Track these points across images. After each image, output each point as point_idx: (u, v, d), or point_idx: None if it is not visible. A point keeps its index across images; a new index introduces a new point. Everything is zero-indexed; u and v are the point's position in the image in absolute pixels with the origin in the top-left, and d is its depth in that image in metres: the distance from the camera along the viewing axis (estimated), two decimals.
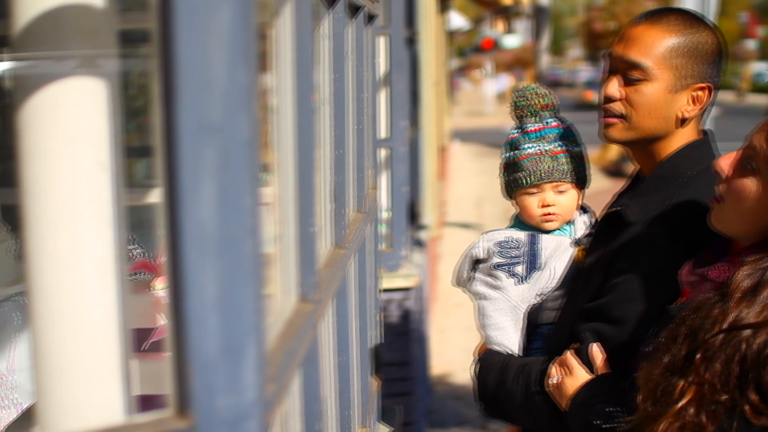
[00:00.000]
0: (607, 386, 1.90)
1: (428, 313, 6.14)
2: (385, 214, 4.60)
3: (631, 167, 2.27)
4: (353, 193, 2.12)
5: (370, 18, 2.42)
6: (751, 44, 47.09)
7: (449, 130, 17.08)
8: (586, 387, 1.92)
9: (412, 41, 5.49)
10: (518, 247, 2.21)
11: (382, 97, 4.58)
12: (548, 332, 2.16)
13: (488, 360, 2.18)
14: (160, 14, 0.77)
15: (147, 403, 1.28)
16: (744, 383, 1.55)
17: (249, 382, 0.83)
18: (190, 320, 0.79)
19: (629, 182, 2.18)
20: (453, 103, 27.39)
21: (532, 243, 2.21)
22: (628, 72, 1.98)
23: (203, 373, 0.80)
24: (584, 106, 28.74)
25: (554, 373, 2.00)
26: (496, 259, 2.20)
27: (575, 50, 64.82)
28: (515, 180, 2.23)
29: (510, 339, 2.18)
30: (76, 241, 0.93)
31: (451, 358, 6.61)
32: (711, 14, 5.80)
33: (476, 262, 2.26)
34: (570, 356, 1.97)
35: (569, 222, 2.24)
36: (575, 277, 2.13)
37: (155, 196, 2.67)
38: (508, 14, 34.56)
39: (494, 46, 38.54)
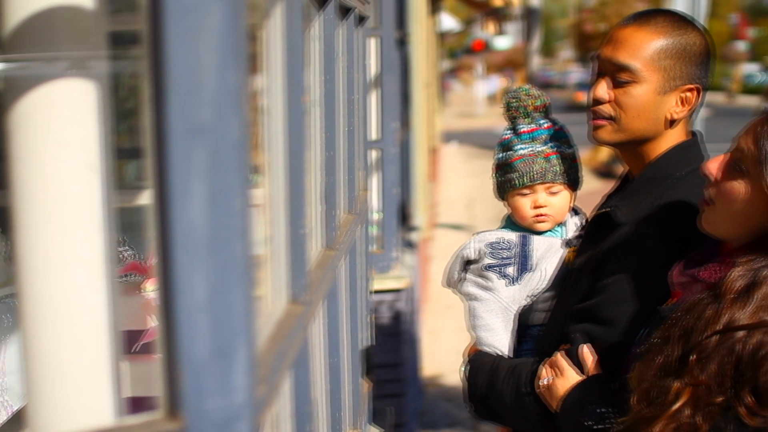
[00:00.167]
0: (598, 387, 1.90)
1: (419, 314, 6.14)
2: (376, 216, 4.60)
3: (621, 168, 2.28)
4: (344, 194, 2.12)
5: (361, 19, 2.43)
6: (741, 46, 47.26)
7: (440, 132, 17.09)
8: (577, 388, 1.92)
9: (403, 43, 5.49)
10: (509, 248, 2.21)
11: (373, 98, 4.58)
12: (539, 334, 2.16)
13: (478, 361, 2.19)
14: (151, 16, 0.77)
15: (138, 405, 1.28)
16: (739, 384, 1.56)
17: (239, 384, 0.83)
18: (181, 322, 0.79)
19: (618, 183, 2.18)
20: (444, 104, 27.40)
21: (524, 244, 2.21)
22: (617, 74, 1.99)
23: (194, 375, 0.80)
24: (575, 107, 28.75)
25: (545, 374, 2.00)
26: (488, 260, 2.20)
27: (566, 52, 64.97)
28: (508, 181, 2.23)
29: (500, 340, 2.18)
30: (67, 243, 0.93)
31: (443, 360, 6.61)
32: (701, 16, 5.82)
33: (467, 263, 2.26)
34: (560, 357, 1.98)
35: (561, 223, 2.25)
36: (565, 278, 2.13)
37: (146, 198, 2.66)
38: (499, 16, 34.59)
39: (485, 47, 38.56)
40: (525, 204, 2.22)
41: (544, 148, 2.20)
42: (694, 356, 1.59)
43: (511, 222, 2.28)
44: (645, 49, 1.96)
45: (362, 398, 2.45)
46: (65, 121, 0.93)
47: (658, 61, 1.96)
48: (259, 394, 0.93)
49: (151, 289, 2.39)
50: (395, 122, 4.71)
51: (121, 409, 0.96)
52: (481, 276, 2.21)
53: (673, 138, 2.03)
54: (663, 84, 1.97)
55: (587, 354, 1.94)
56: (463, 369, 2.23)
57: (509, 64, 45.50)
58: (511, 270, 2.19)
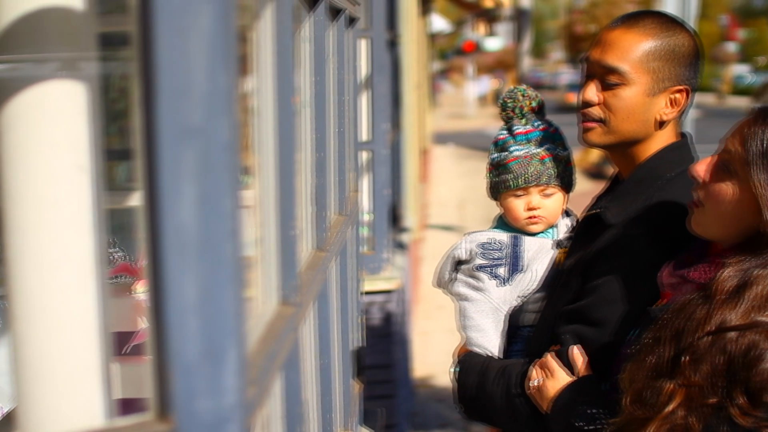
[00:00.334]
0: (589, 388, 1.90)
1: (410, 315, 6.14)
2: (366, 217, 4.60)
3: (611, 170, 2.28)
4: (334, 195, 2.12)
5: (351, 21, 2.43)
6: (731, 47, 47.40)
7: (431, 133, 17.09)
8: (568, 389, 1.92)
9: (393, 44, 5.50)
10: (501, 249, 2.21)
11: (364, 99, 4.58)
12: (529, 334, 2.16)
13: (468, 362, 2.19)
14: (141, 17, 0.77)
15: (128, 406, 1.28)
16: (731, 385, 1.56)
17: (230, 385, 0.83)
18: (171, 323, 0.79)
19: (608, 185, 2.19)
20: (435, 105, 27.42)
21: (515, 245, 2.21)
22: (606, 76, 2.00)
23: (184, 377, 0.80)
24: (566, 108, 28.74)
25: (535, 375, 2.00)
26: (479, 261, 2.21)
27: (557, 53, 65.05)
28: (502, 182, 2.23)
29: (491, 341, 2.18)
30: (57, 244, 0.93)
31: (434, 361, 6.61)
32: (691, 17, 5.83)
33: (458, 263, 2.27)
34: (551, 358, 1.98)
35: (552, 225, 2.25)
36: (555, 279, 2.13)
37: (136, 200, 2.66)
38: (489, 17, 34.61)
39: (476, 48, 38.61)
40: (518, 205, 2.22)
41: (540, 150, 2.20)
42: (687, 357, 1.60)
43: (503, 222, 2.29)
44: (633, 51, 1.97)
45: (353, 399, 2.45)
46: (55, 123, 0.93)
47: (646, 63, 1.97)
48: (250, 395, 0.93)
49: (141, 290, 2.39)
50: (386, 123, 4.72)
51: (111, 411, 0.95)
52: (472, 276, 2.21)
53: (662, 139, 2.03)
54: (652, 86, 1.98)
55: (577, 355, 1.94)
56: (452, 370, 2.23)
57: (500, 66, 45.51)
58: (502, 270, 2.19)
